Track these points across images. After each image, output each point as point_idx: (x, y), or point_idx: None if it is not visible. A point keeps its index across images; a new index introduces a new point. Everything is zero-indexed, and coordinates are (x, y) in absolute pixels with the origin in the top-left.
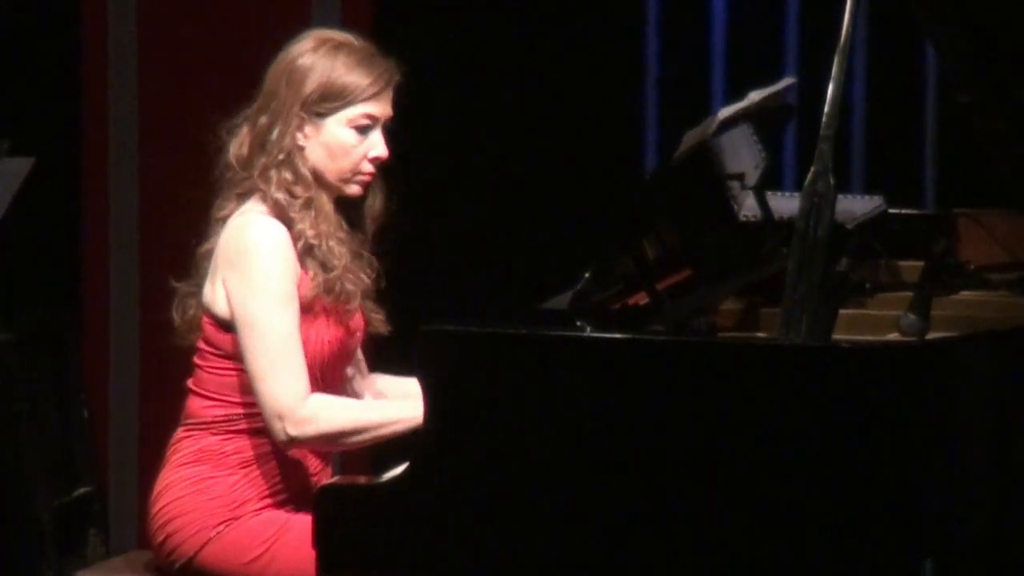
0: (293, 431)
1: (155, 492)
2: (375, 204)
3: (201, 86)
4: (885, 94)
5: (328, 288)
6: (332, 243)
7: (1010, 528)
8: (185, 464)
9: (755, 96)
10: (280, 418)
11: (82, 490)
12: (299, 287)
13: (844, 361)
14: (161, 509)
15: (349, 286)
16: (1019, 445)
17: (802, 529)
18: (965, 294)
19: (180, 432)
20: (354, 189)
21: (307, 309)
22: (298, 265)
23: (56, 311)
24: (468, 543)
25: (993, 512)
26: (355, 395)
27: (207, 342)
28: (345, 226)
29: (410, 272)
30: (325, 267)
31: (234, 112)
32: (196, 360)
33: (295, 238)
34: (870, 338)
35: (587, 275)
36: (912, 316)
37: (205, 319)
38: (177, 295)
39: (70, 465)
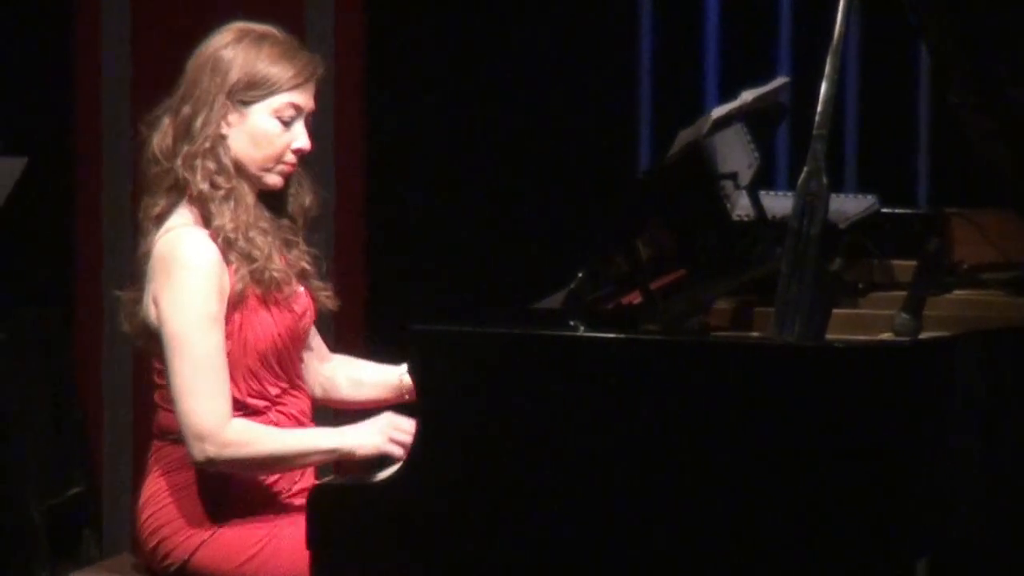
0: (212, 452)
1: (141, 501)
2: (303, 198)
3: None
4: (878, 94)
5: (256, 278)
6: (253, 234)
7: (1001, 526)
8: (167, 472)
9: (748, 95)
10: (200, 439)
11: (75, 490)
12: (230, 284)
13: (837, 361)
14: (149, 517)
15: (276, 275)
16: (1011, 444)
17: (795, 529)
18: (958, 293)
19: (156, 444)
20: (274, 179)
21: (240, 302)
22: (227, 279)
23: (49, 311)
24: (462, 543)
25: (985, 511)
26: (316, 380)
27: (160, 360)
28: (268, 216)
29: (402, 271)
30: (249, 258)
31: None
32: (155, 379)
33: (215, 235)
34: (863, 338)
35: (580, 274)
36: (905, 315)
37: (151, 339)
38: (121, 303)
39: (63, 465)
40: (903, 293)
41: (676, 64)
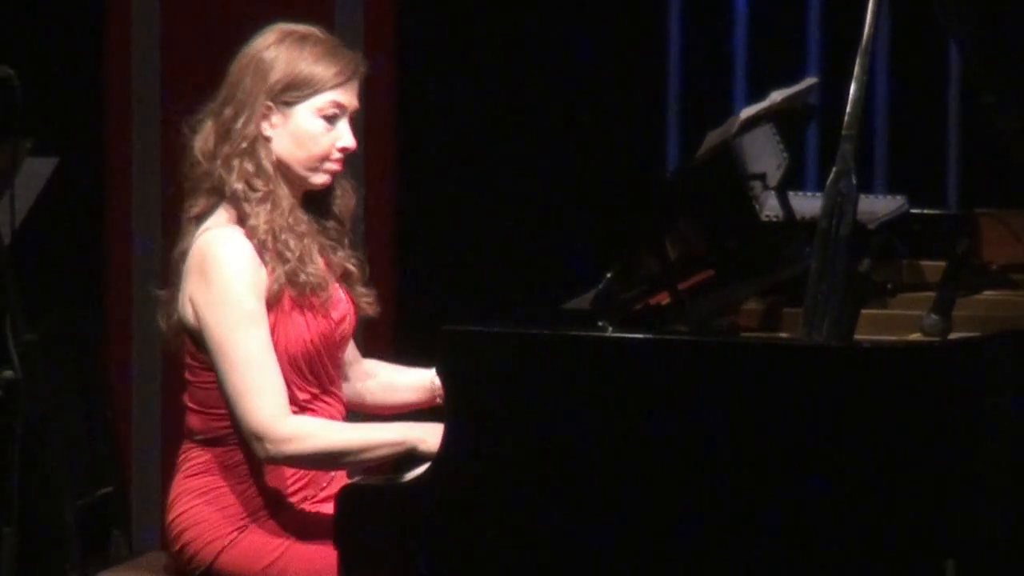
0: (273, 450)
1: (168, 501)
2: (346, 200)
3: None
4: (908, 94)
5: (292, 281)
6: (285, 236)
7: None
8: (194, 475)
9: (777, 96)
10: (258, 438)
11: (105, 490)
12: (267, 283)
13: (866, 361)
14: (175, 519)
15: (312, 278)
16: None
17: (824, 528)
18: (988, 294)
19: (185, 445)
20: (322, 178)
21: (275, 304)
22: (263, 277)
23: (79, 312)
24: (490, 543)
25: (1015, 512)
26: (350, 389)
27: (192, 357)
28: (309, 219)
29: (431, 272)
30: (282, 259)
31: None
32: (187, 376)
33: (249, 235)
34: (892, 338)
35: (609, 275)
36: (934, 316)
37: (185, 335)
38: (159, 302)
39: (93, 465)
40: (932, 294)
41: (705, 64)
